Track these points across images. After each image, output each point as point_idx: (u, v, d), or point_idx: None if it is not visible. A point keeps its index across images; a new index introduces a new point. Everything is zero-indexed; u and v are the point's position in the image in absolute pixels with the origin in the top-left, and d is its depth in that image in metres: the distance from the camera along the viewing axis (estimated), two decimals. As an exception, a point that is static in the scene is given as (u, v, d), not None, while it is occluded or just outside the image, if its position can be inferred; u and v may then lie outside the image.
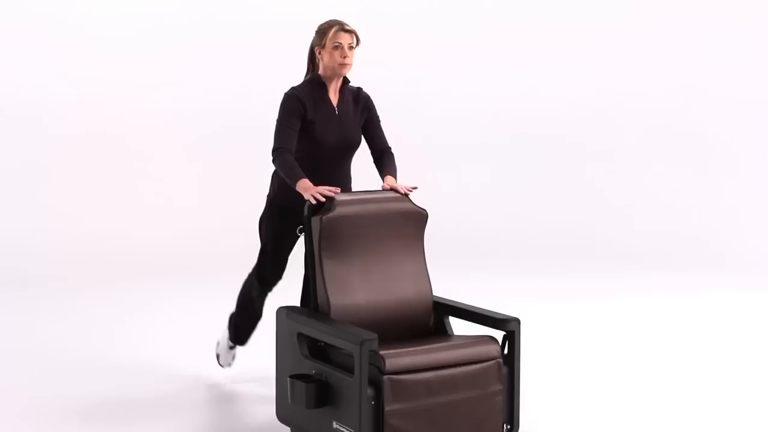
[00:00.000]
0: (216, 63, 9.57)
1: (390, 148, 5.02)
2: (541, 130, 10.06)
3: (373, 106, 5.02)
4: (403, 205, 4.63)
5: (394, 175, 4.87)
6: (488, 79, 10.06)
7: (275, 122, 4.85)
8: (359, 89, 5.01)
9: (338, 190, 4.55)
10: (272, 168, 4.93)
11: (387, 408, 4.07)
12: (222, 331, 5.54)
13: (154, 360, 6.00)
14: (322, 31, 4.87)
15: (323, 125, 4.85)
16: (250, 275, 5.23)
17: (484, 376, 4.27)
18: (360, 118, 4.98)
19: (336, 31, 4.82)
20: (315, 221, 4.47)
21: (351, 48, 4.83)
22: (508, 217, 9.77)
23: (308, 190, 4.56)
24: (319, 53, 4.87)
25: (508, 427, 4.41)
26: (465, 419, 4.23)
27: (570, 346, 6.36)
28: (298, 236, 5.04)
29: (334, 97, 4.92)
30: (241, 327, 5.36)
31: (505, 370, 4.37)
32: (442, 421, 4.19)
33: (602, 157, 9.97)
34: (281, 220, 5.01)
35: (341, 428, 4.16)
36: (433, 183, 9.61)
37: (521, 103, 10.08)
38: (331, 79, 4.90)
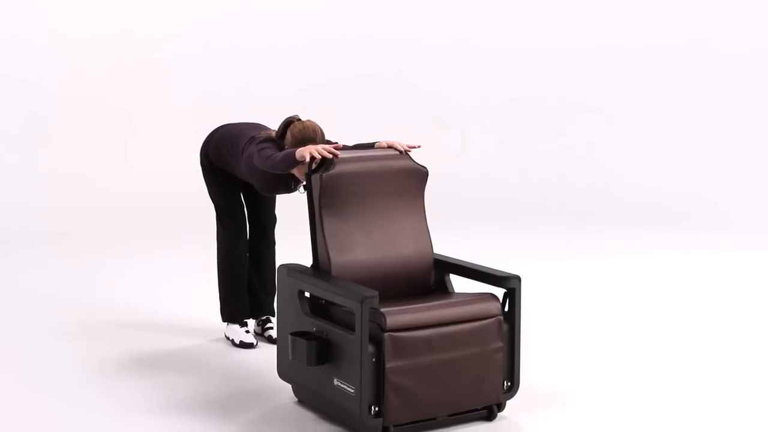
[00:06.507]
0: (219, 19, 9.52)
1: None
2: (541, 88, 10.02)
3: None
4: (403, 163, 4.62)
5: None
6: (489, 35, 10.01)
7: (251, 156, 4.90)
8: None
9: (339, 150, 4.52)
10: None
11: (388, 365, 4.08)
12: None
13: (153, 316, 6.01)
14: (295, 146, 4.82)
15: (270, 183, 5.02)
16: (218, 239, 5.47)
17: (484, 333, 4.28)
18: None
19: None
20: (315, 179, 4.46)
21: None
22: (510, 174, 9.76)
23: (306, 150, 4.53)
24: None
25: (509, 384, 4.42)
26: (465, 376, 4.24)
27: (571, 304, 6.37)
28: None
29: None
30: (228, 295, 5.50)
31: (505, 327, 4.38)
32: (442, 378, 4.20)
33: (604, 115, 9.94)
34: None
35: (342, 385, 4.18)
36: (433, 141, 9.59)
37: (522, 60, 10.04)
38: None
